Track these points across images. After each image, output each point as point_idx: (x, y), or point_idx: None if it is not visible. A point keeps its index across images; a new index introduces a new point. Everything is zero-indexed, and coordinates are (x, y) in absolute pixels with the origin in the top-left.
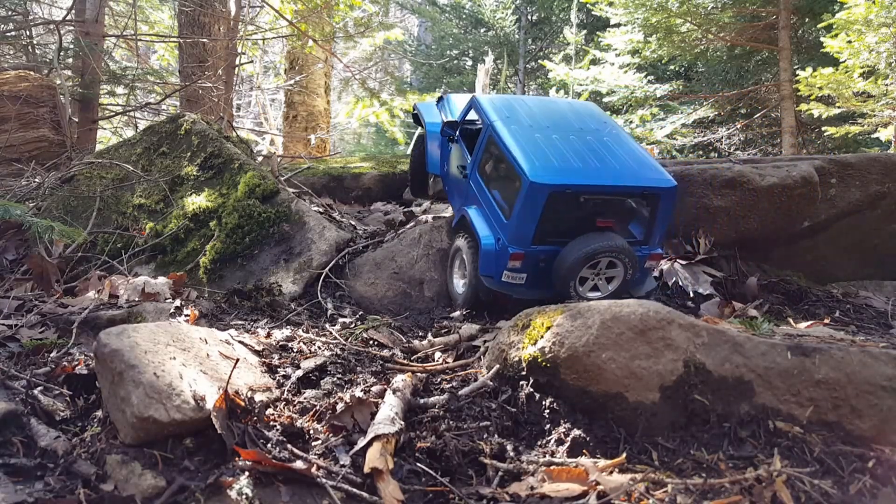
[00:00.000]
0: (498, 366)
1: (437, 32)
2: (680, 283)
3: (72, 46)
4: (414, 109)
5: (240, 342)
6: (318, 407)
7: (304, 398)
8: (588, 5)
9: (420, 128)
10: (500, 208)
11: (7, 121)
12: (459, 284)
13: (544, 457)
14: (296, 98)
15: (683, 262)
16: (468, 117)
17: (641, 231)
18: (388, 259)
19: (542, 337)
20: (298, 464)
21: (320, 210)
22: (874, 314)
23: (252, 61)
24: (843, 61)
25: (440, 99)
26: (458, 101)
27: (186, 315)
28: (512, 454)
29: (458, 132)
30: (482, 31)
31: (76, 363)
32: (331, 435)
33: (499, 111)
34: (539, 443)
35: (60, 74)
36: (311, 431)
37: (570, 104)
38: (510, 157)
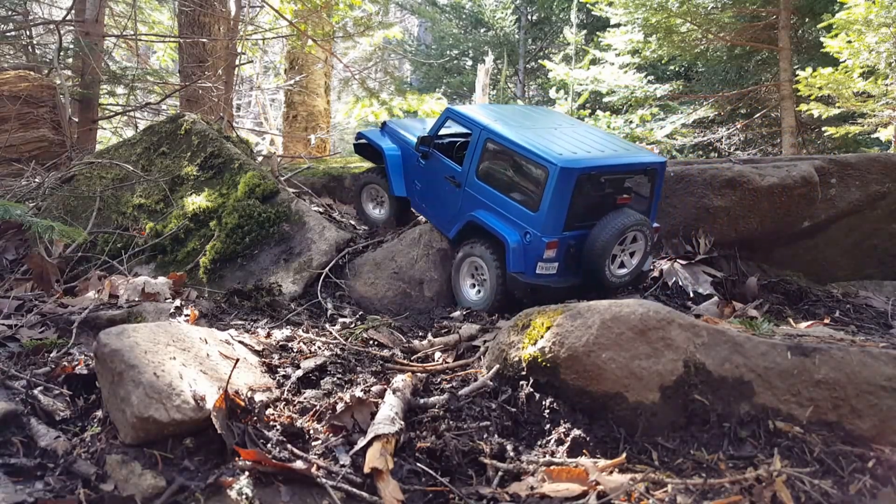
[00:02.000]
0: (498, 366)
1: (437, 32)
2: (680, 283)
3: (72, 46)
4: (358, 139)
5: (240, 342)
6: (318, 407)
7: (304, 398)
8: (588, 5)
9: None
10: (520, 203)
11: (7, 121)
12: (471, 293)
13: (544, 457)
14: (296, 98)
15: (683, 262)
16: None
17: (640, 208)
18: (388, 259)
19: (542, 337)
20: (298, 464)
21: (320, 210)
22: (874, 314)
23: (252, 61)
24: (843, 61)
25: (383, 125)
26: (407, 124)
27: (186, 315)
28: (512, 454)
29: (431, 147)
30: (482, 31)
31: (76, 363)
32: (331, 435)
33: (487, 115)
34: (539, 443)
35: (60, 74)
36: (311, 431)
37: (529, 108)
38: (523, 151)
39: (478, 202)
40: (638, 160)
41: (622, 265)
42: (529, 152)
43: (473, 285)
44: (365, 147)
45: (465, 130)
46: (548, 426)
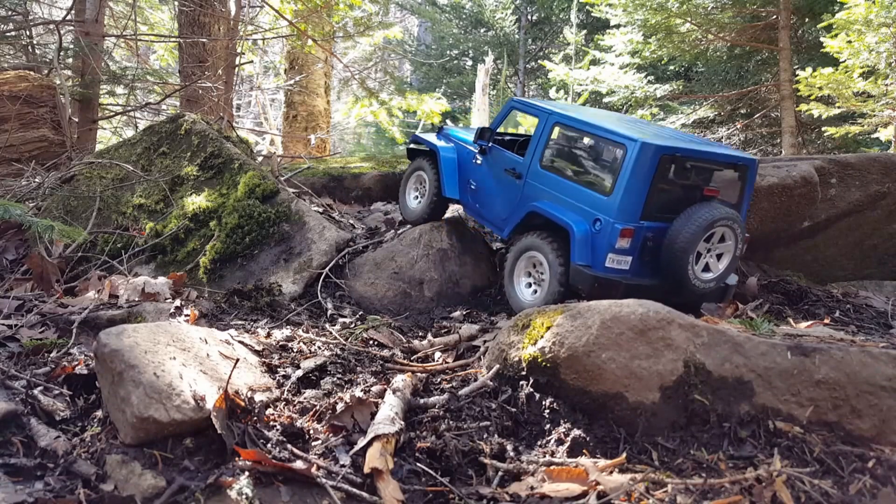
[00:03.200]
0: (498, 366)
1: (437, 32)
2: None
3: (72, 46)
4: (412, 143)
5: (240, 342)
6: (318, 407)
7: (304, 398)
8: (588, 6)
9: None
10: (591, 188)
11: (7, 121)
12: (527, 293)
13: (544, 457)
14: (296, 98)
15: None
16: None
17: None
18: (388, 259)
19: (542, 337)
20: (298, 464)
21: (320, 210)
22: (874, 314)
23: (252, 61)
24: (843, 61)
25: (440, 129)
26: (462, 130)
27: (186, 315)
28: (512, 454)
29: (491, 141)
30: (482, 31)
31: (76, 363)
32: (331, 435)
33: (552, 105)
34: (539, 443)
35: (60, 74)
36: (311, 431)
37: (592, 108)
38: (598, 131)
39: (540, 193)
40: (727, 152)
41: (707, 268)
42: (605, 131)
43: (530, 284)
44: (417, 153)
45: (516, 134)
46: (548, 426)
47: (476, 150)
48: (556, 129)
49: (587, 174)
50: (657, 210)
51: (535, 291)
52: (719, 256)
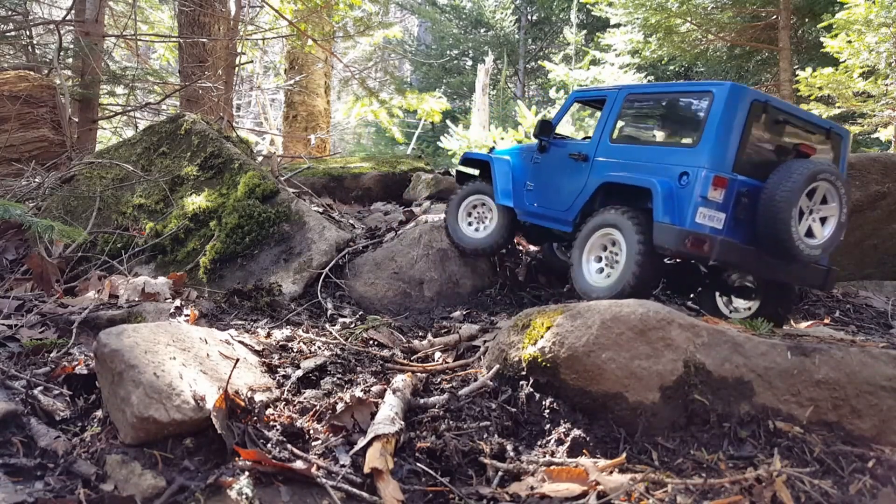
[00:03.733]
0: (498, 366)
1: (437, 32)
2: None
3: (72, 46)
4: (464, 162)
5: (240, 342)
6: (318, 407)
7: (304, 398)
8: (588, 5)
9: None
10: (673, 146)
11: (7, 121)
12: (598, 278)
13: (544, 457)
14: (296, 98)
15: None
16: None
17: None
18: (388, 259)
19: (542, 337)
20: (298, 464)
21: (320, 210)
22: (874, 314)
23: (252, 61)
24: (843, 61)
25: (490, 150)
26: (506, 149)
27: (186, 315)
28: (512, 454)
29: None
30: (482, 31)
31: (76, 363)
32: (331, 435)
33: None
34: (539, 443)
35: (60, 74)
36: (311, 431)
37: None
38: (680, 88)
39: (612, 167)
40: (820, 119)
41: (810, 233)
42: (688, 85)
43: (601, 270)
44: (467, 177)
45: (563, 136)
46: (548, 426)
47: (533, 151)
48: (627, 102)
49: (667, 134)
50: (750, 166)
51: (608, 275)
52: (823, 221)
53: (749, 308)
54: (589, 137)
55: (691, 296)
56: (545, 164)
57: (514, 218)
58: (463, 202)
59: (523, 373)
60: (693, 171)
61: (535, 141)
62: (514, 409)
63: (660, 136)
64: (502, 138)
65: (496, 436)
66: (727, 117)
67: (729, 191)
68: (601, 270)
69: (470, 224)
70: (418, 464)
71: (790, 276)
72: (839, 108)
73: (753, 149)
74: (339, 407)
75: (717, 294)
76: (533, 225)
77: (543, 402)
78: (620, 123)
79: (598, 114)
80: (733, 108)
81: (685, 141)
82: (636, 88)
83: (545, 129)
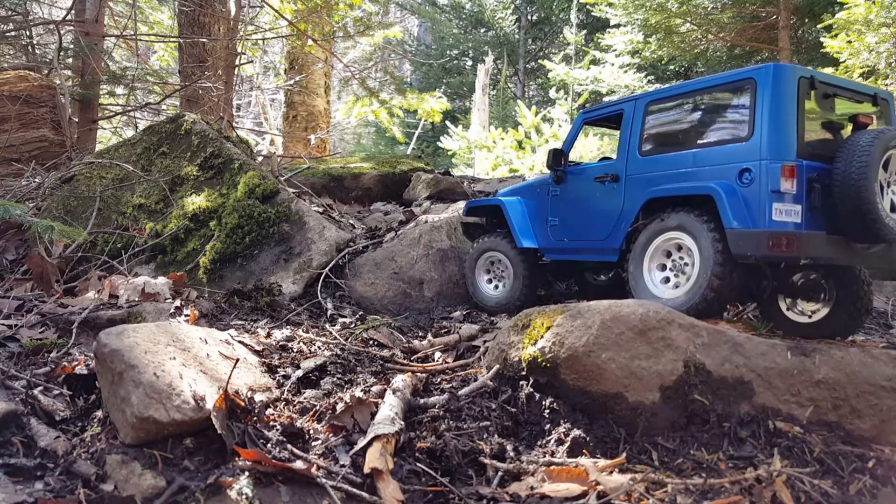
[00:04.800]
0: (498, 366)
1: (437, 32)
2: None
3: (72, 46)
4: (468, 212)
5: (240, 342)
6: (318, 407)
7: (304, 398)
8: (588, 6)
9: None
10: (721, 144)
11: (7, 121)
12: (663, 290)
13: (544, 457)
14: (296, 98)
15: None
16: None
17: None
18: (388, 259)
19: (542, 337)
20: (298, 464)
21: (320, 210)
22: (874, 314)
23: (252, 61)
24: (843, 61)
25: (493, 194)
26: (508, 188)
27: (186, 315)
28: (512, 454)
29: (566, 164)
30: (482, 31)
31: (76, 363)
32: (331, 435)
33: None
34: (539, 443)
35: (60, 74)
36: (311, 431)
37: None
38: (710, 82)
39: (651, 181)
40: (864, 86)
41: (894, 208)
42: (720, 77)
43: (667, 279)
44: (472, 227)
45: (575, 162)
46: (548, 426)
47: (548, 184)
48: (649, 110)
49: (708, 133)
50: (811, 148)
51: (676, 284)
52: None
53: (816, 311)
54: (608, 157)
55: (756, 303)
56: (567, 194)
57: (534, 265)
58: (478, 261)
59: (523, 373)
60: (755, 165)
61: (538, 175)
62: (514, 409)
63: (699, 137)
64: (502, 138)
65: (496, 436)
66: (778, 100)
67: (800, 179)
68: (667, 280)
69: (490, 281)
70: (418, 464)
71: (886, 261)
72: None
73: (811, 129)
74: (339, 407)
75: (781, 297)
76: (562, 262)
77: (543, 402)
78: (647, 134)
79: (598, 128)
80: (782, 89)
81: (735, 136)
82: (656, 94)
83: (558, 158)
